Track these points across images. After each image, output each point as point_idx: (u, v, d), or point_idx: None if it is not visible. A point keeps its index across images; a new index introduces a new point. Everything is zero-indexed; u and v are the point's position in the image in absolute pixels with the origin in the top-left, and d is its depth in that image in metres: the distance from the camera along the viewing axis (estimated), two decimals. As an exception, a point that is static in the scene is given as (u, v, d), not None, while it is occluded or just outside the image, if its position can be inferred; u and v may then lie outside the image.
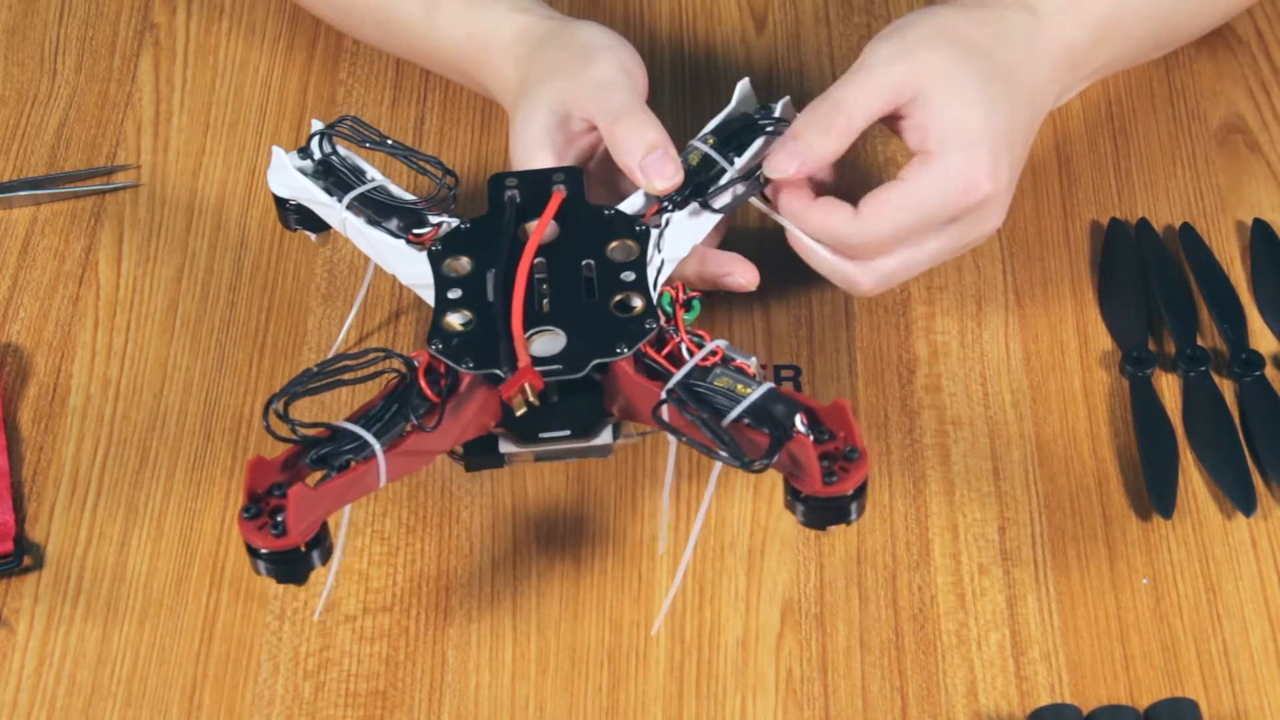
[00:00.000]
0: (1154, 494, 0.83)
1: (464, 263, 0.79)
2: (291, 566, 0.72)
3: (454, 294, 0.77)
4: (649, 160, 0.81)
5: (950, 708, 0.77)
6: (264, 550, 0.71)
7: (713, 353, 0.75)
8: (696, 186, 0.82)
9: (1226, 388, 0.87)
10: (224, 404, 0.88)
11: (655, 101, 0.99)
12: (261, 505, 0.71)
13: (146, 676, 0.79)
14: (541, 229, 0.79)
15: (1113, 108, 0.98)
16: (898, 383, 0.88)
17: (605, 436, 0.77)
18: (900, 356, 0.89)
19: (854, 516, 0.72)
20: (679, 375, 0.74)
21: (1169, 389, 0.87)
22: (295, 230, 0.85)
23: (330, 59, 1.02)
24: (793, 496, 0.72)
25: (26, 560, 0.82)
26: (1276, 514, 0.83)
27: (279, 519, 0.70)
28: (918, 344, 0.89)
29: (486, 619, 0.80)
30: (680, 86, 1.01)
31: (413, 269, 0.80)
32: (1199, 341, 0.88)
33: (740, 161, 0.83)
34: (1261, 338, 0.89)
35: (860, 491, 0.72)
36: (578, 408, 0.76)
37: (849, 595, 0.81)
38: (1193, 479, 0.84)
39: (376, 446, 0.72)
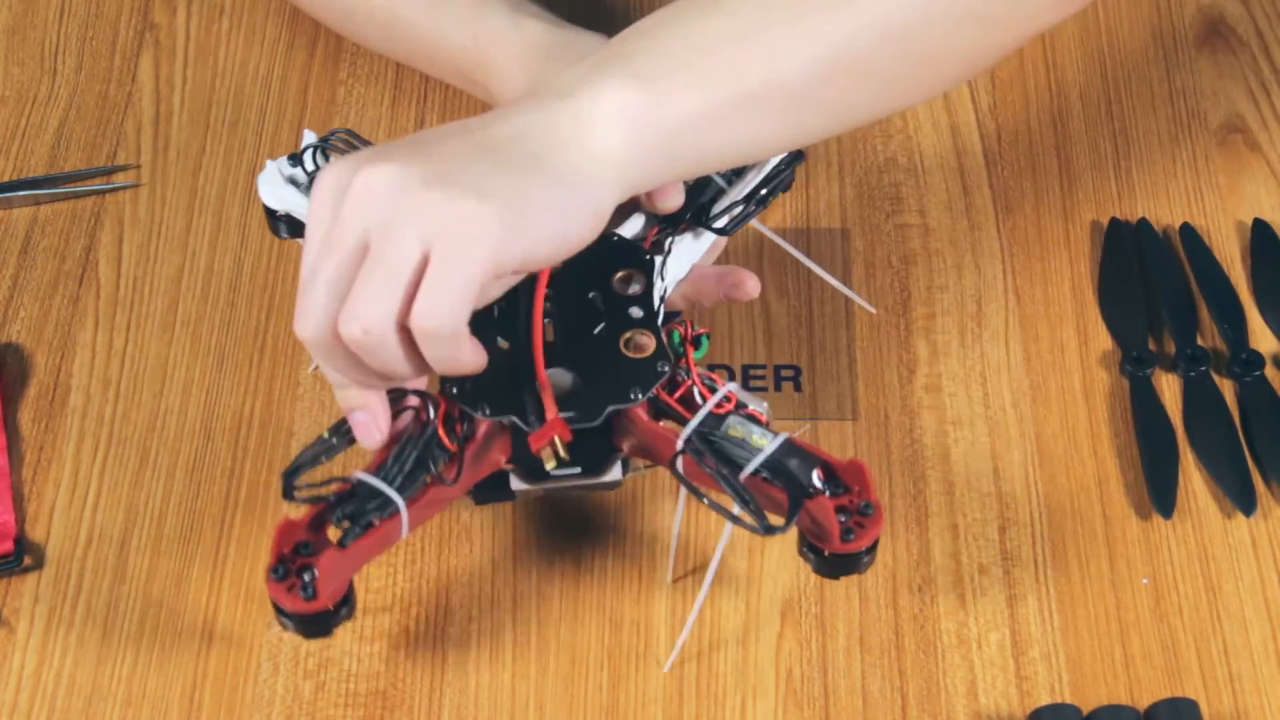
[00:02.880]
0: (1154, 494, 0.83)
1: None
2: (321, 625, 0.72)
3: None
4: None
5: (950, 708, 0.77)
6: (293, 612, 0.71)
7: (726, 398, 0.74)
8: (697, 209, 0.81)
9: (1226, 388, 0.87)
10: (224, 404, 0.88)
11: (655, 101, 1.00)
12: (289, 566, 0.71)
13: (146, 676, 0.79)
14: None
15: (1113, 108, 0.98)
16: (898, 383, 0.88)
17: (615, 472, 0.76)
18: (900, 356, 0.89)
19: (866, 568, 0.73)
20: (693, 423, 0.73)
21: (1169, 389, 0.87)
22: (285, 239, 0.85)
23: (330, 59, 1.02)
24: (807, 548, 0.73)
25: (26, 560, 0.82)
26: (1276, 514, 0.83)
27: (307, 580, 0.70)
28: (918, 344, 0.89)
29: (486, 619, 0.80)
30: (680, 86, 1.01)
31: None
32: (1199, 341, 0.89)
33: (740, 182, 0.83)
34: (1261, 338, 0.89)
35: (874, 545, 0.72)
36: (589, 447, 0.75)
37: (849, 595, 0.81)
38: (1193, 479, 0.84)
39: (400, 503, 0.72)
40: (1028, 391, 0.87)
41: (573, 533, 0.83)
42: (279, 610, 0.71)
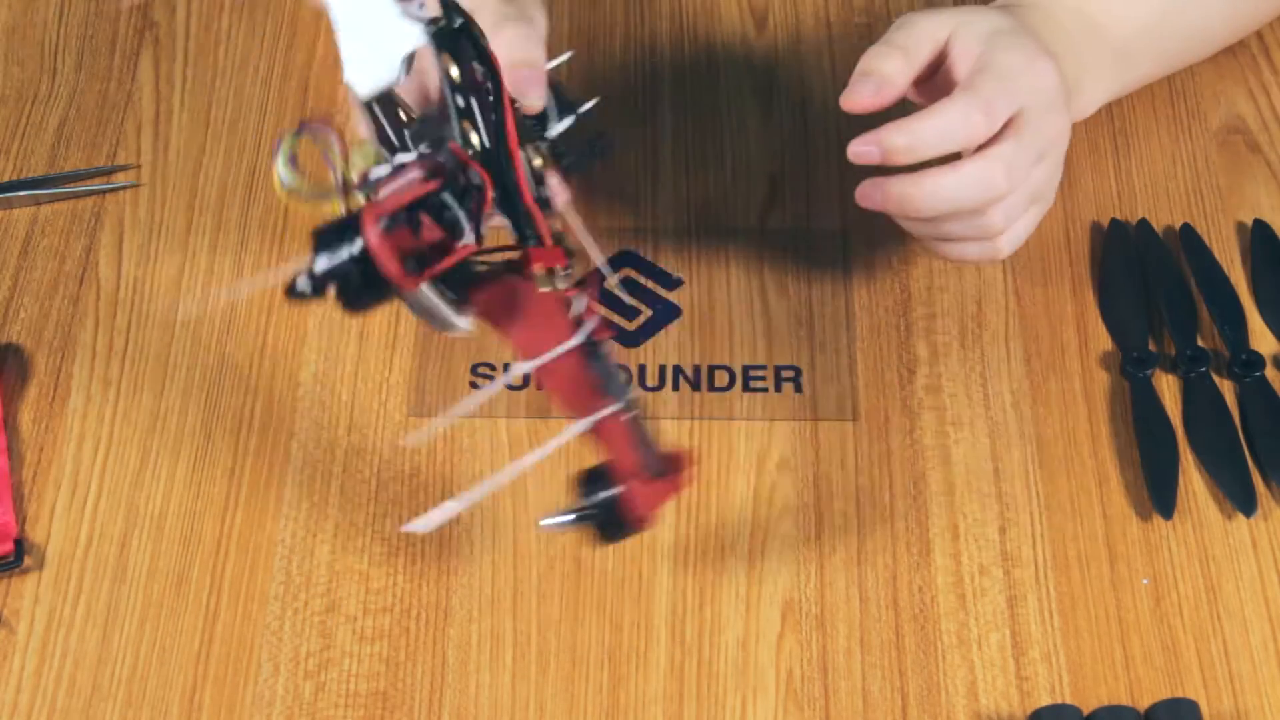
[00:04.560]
0: (1154, 494, 0.83)
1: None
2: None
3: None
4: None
5: (950, 708, 0.77)
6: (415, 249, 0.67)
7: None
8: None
9: (1226, 388, 0.87)
10: (224, 404, 0.88)
11: (655, 101, 1.00)
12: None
13: (146, 677, 0.79)
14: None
15: (1113, 108, 0.98)
16: (898, 383, 0.88)
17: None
18: (900, 356, 0.89)
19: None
20: None
21: (1169, 389, 0.87)
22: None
23: (330, 59, 1.02)
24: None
25: (26, 560, 0.82)
26: (1276, 514, 0.83)
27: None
28: (918, 344, 0.89)
29: (486, 619, 0.80)
30: (680, 86, 1.01)
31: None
32: (1199, 342, 0.89)
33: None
34: (1261, 338, 0.89)
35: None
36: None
37: (849, 595, 0.81)
38: (1193, 479, 0.84)
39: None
40: (1028, 391, 0.87)
41: (573, 533, 0.83)
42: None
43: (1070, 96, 0.86)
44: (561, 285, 0.71)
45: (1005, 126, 0.81)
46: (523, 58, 0.79)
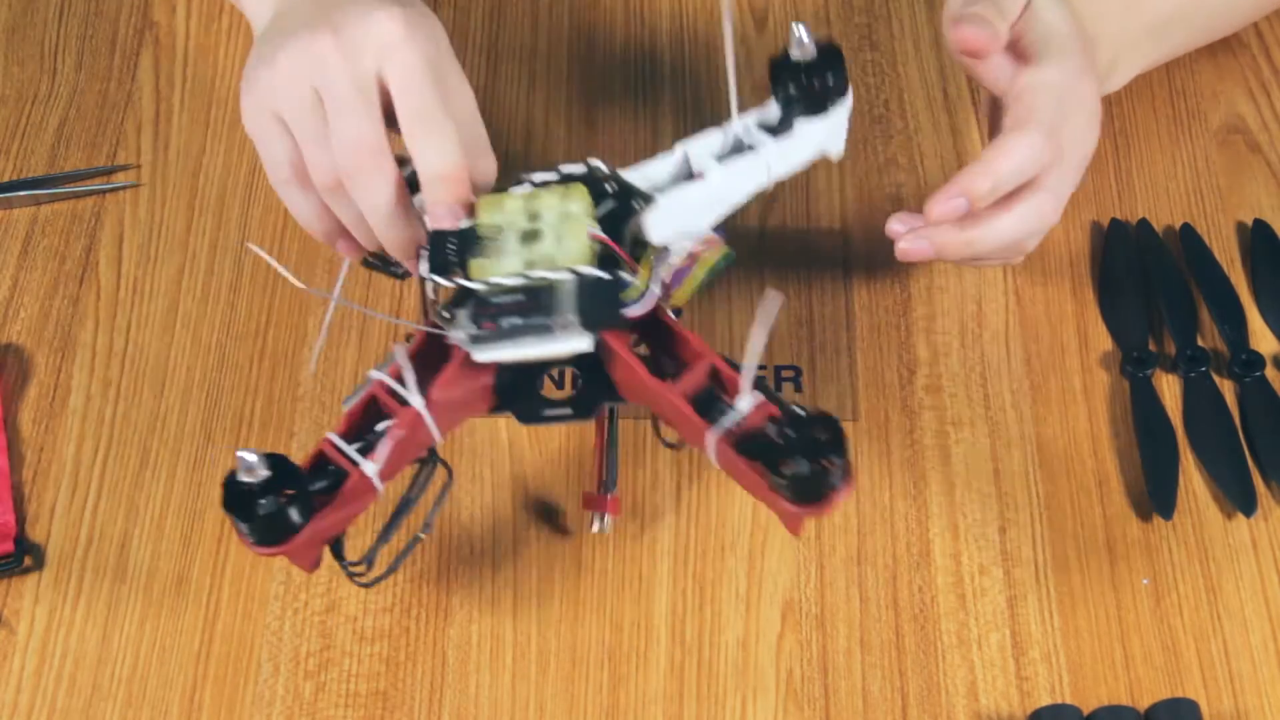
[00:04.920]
0: (1154, 494, 0.83)
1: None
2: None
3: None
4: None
5: (950, 708, 0.77)
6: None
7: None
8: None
9: (1227, 388, 0.87)
10: (224, 404, 0.88)
11: (655, 101, 1.00)
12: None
13: (146, 676, 0.79)
14: None
15: (1113, 108, 0.98)
16: (898, 383, 0.88)
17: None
18: (900, 357, 0.89)
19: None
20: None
21: (1169, 389, 0.87)
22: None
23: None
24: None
25: (27, 560, 0.82)
26: (1276, 514, 0.83)
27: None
28: (918, 344, 0.89)
29: (486, 619, 0.80)
30: (680, 86, 1.01)
31: None
32: (1199, 342, 0.89)
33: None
34: (1261, 338, 0.89)
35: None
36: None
37: (849, 595, 0.81)
38: (1193, 479, 0.84)
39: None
40: (1028, 391, 0.87)
41: (573, 533, 0.83)
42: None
43: (1105, 79, 0.88)
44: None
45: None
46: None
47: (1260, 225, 0.93)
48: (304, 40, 0.78)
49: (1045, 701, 0.77)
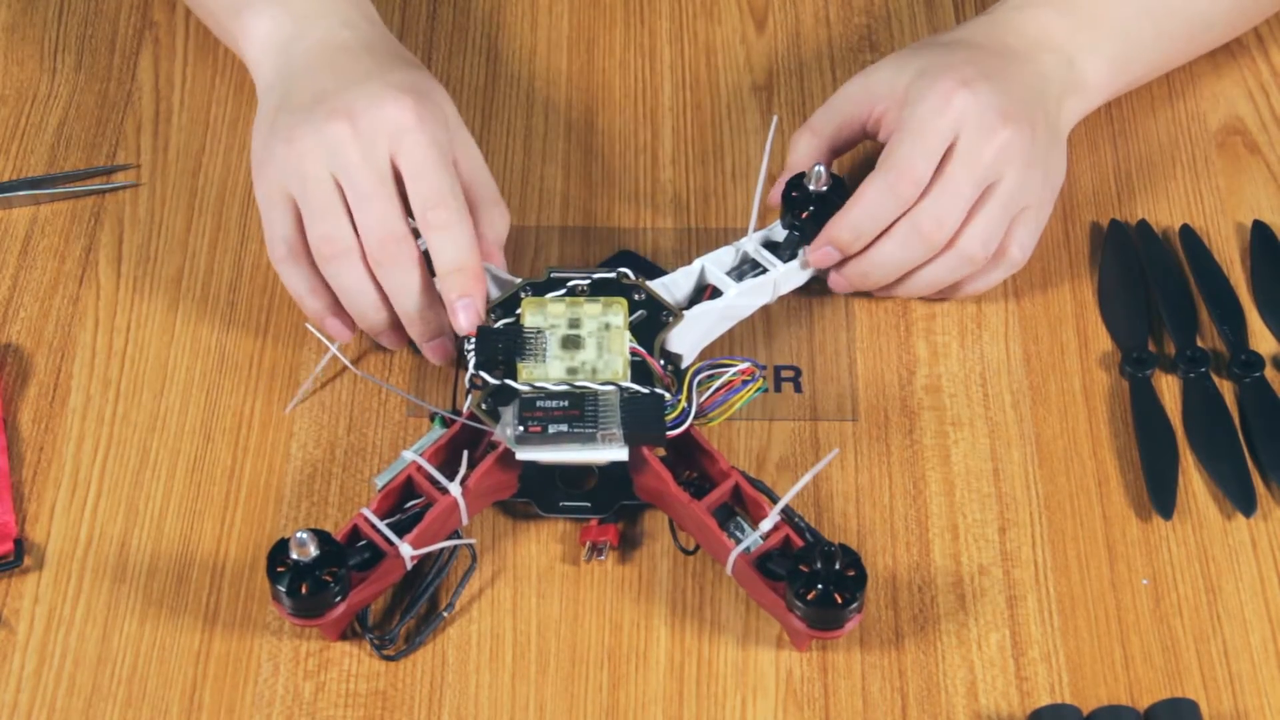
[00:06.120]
0: (1154, 494, 0.83)
1: None
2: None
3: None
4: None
5: (950, 708, 0.77)
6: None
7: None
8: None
9: (1226, 389, 0.87)
10: (224, 404, 0.88)
11: (655, 101, 1.00)
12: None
13: (146, 676, 0.79)
14: None
15: (1113, 109, 0.98)
16: (898, 383, 0.88)
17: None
18: (900, 357, 0.89)
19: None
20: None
21: (1169, 390, 0.87)
22: None
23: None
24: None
25: (26, 560, 0.82)
26: (1276, 514, 0.83)
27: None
28: (918, 344, 0.89)
29: (486, 619, 0.80)
30: (680, 86, 1.01)
31: None
32: (1199, 342, 0.89)
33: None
34: (1261, 338, 0.89)
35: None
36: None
37: (849, 595, 0.81)
38: (1193, 479, 0.84)
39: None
40: (1028, 392, 0.87)
41: (573, 533, 0.83)
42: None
43: (1068, 93, 0.89)
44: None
45: (942, 161, 0.84)
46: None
47: (1259, 226, 0.93)
48: (319, 122, 0.83)
49: (1045, 701, 0.77)
